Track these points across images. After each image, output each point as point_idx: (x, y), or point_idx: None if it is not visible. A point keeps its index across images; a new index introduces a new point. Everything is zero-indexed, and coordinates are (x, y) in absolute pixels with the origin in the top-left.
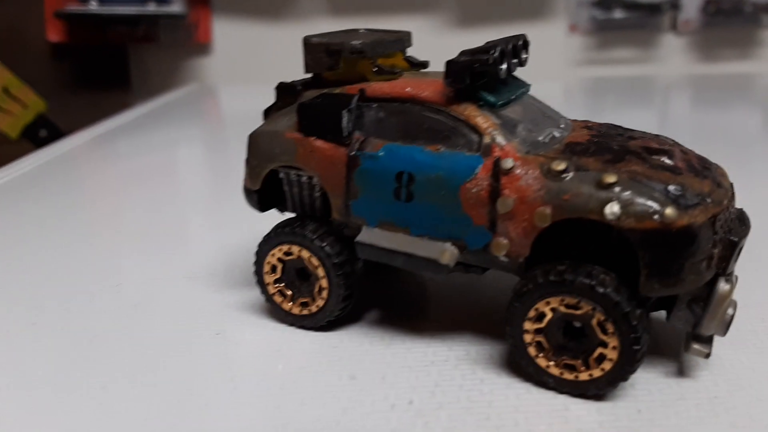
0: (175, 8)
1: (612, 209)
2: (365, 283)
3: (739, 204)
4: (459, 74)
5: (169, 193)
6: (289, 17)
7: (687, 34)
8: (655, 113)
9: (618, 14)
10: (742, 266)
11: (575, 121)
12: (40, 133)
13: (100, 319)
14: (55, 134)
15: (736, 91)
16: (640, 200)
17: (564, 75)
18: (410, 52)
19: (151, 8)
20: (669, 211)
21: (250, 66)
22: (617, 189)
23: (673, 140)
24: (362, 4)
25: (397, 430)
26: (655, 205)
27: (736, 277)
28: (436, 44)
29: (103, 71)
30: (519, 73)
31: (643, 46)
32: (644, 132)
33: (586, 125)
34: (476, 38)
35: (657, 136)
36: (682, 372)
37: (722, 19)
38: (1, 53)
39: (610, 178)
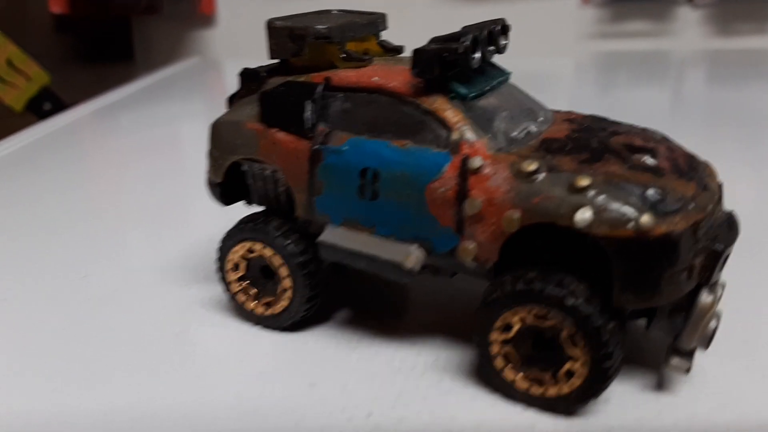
0: None
1: (583, 215)
2: (336, 280)
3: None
4: (427, 64)
5: (168, 171)
6: None
7: (703, 6)
8: (669, 90)
9: None
10: (739, 267)
11: (558, 112)
12: (44, 106)
13: (62, 312)
14: (59, 107)
15: (753, 67)
16: (615, 206)
17: (575, 49)
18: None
19: None
20: (645, 218)
21: (254, 39)
22: (591, 193)
23: (662, 135)
24: None
25: None
26: (630, 212)
27: (723, 285)
28: (443, 19)
29: (106, 43)
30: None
31: (657, 19)
32: (631, 125)
33: (569, 118)
34: (483, 12)
35: (644, 130)
36: (661, 386)
37: None
38: (4, 25)
39: (584, 181)
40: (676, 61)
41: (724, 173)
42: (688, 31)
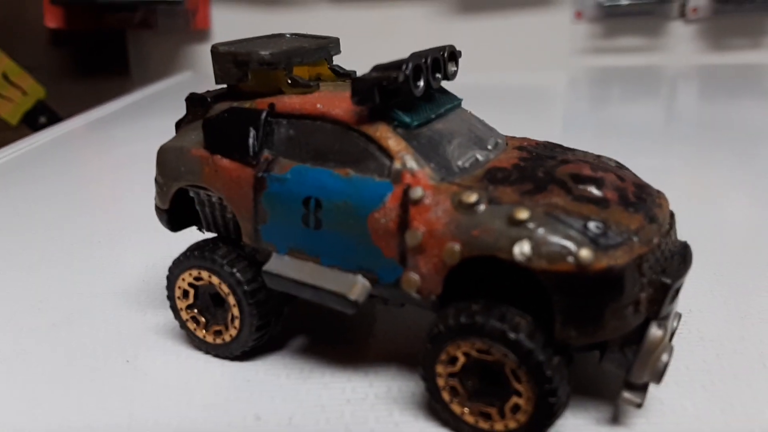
0: None
1: (522, 249)
2: (291, 308)
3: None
4: (366, 94)
5: (143, 187)
6: (288, 4)
7: (696, 21)
8: (662, 105)
9: (625, 1)
10: (700, 292)
11: (512, 138)
12: (40, 119)
13: (14, 338)
14: (55, 120)
15: (746, 82)
16: (554, 239)
17: (569, 64)
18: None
19: None
20: (584, 252)
21: None
22: (530, 226)
23: (616, 162)
24: None
25: None
26: (569, 245)
27: (679, 316)
28: (437, 32)
29: (102, 58)
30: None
31: (650, 34)
32: (585, 153)
33: (521, 145)
34: (478, 26)
35: (598, 157)
36: (616, 419)
37: (732, 6)
38: (0, 39)
39: (522, 214)
40: (668, 76)
41: (717, 187)
42: (681, 47)
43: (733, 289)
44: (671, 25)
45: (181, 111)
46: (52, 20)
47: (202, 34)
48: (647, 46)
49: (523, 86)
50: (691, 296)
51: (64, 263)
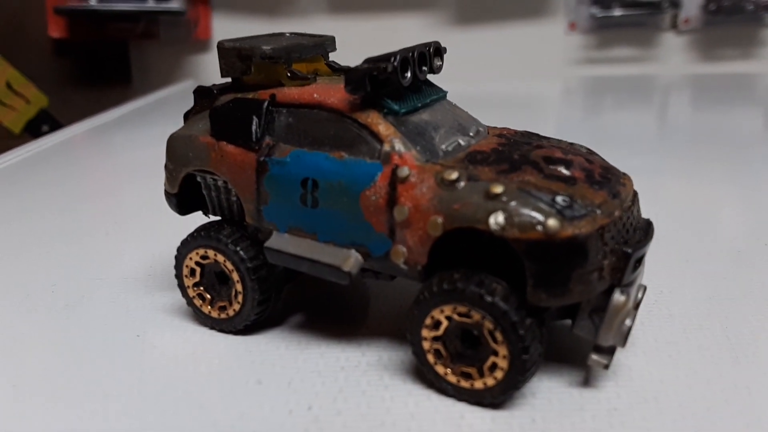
0: (174, 5)
1: (496, 219)
2: (292, 286)
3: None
4: (358, 83)
5: (152, 189)
6: (288, 14)
7: (687, 32)
8: (654, 114)
9: (617, 12)
10: (673, 275)
11: (494, 128)
12: (43, 128)
13: (30, 319)
14: (57, 129)
15: (737, 91)
16: (525, 211)
17: (563, 74)
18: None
19: (150, 5)
20: (552, 222)
21: None
22: (504, 199)
23: (587, 149)
24: (361, 1)
25: None
26: (538, 216)
27: (643, 287)
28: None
29: (104, 67)
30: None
31: (642, 45)
32: (560, 141)
33: (501, 133)
34: (474, 37)
35: (571, 144)
36: (587, 382)
37: (723, 17)
38: (4, 49)
39: (497, 189)
40: (661, 85)
41: (709, 194)
42: (673, 57)
43: (702, 274)
44: (663, 36)
45: (182, 119)
46: (55, 30)
47: (204, 44)
48: (640, 56)
49: (517, 95)
50: (664, 280)
51: (74, 253)
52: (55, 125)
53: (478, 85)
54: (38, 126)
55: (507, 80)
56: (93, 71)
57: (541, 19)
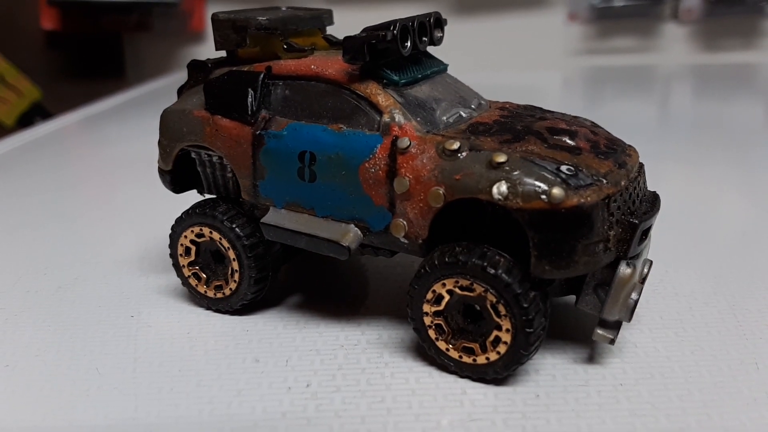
0: None
1: (499, 189)
2: (290, 265)
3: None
4: (356, 51)
5: (143, 179)
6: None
7: (688, 22)
8: (655, 104)
9: (618, 2)
10: (678, 255)
11: (495, 102)
12: (36, 121)
13: (21, 298)
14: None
15: (738, 81)
16: (528, 180)
17: (563, 64)
18: None
19: None
20: (556, 191)
21: None
22: (507, 168)
23: (591, 122)
24: None
25: (288, 412)
26: (542, 185)
27: (649, 262)
28: None
29: (98, 59)
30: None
31: (643, 35)
32: (563, 114)
33: (503, 106)
34: (473, 27)
35: (575, 117)
36: (592, 358)
37: (724, 8)
38: None
39: (500, 158)
40: (662, 76)
41: (711, 180)
42: (674, 47)
43: (707, 254)
44: (664, 26)
45: None
46: (48, 22)
47: (198, 35)
48: (641, 46)
49: (517, 86)
50: (669, 259)
51: (67, 236)
52: (49, 118)
53: (477, 76)
54: (31, 119)
55: (507, 71)
56: (86, 63)
57: (540, 9)
